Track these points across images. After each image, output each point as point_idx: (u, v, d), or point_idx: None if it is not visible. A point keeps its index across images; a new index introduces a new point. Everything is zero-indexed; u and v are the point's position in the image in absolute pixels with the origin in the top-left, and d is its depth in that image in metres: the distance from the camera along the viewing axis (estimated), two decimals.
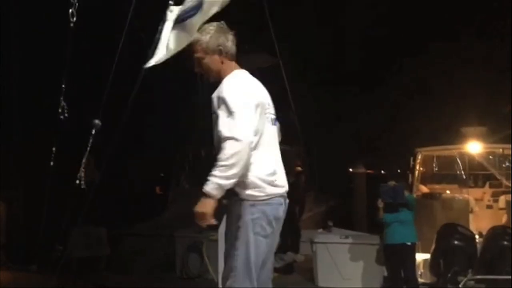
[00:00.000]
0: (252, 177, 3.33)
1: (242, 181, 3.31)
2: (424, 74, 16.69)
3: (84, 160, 4.21)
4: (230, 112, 3.26)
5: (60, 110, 4.20)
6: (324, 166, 17.36)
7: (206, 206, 3.24)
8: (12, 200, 10.59)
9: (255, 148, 3.32)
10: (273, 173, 3.42)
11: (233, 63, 3.55)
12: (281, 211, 3.47)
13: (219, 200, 3.29)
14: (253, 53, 10.70)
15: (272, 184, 3.40)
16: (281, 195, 3.46)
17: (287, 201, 3.52)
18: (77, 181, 4.24)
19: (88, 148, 4.18)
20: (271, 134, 3.51)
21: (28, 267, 9.37)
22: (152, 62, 3.78)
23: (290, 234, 11.49)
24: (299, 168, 12.06)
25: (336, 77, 17.57)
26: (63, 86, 4.24)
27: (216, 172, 3.20)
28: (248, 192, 3.34)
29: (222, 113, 3.29)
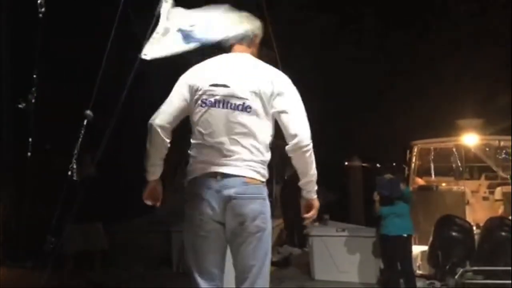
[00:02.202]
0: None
1: None
2: (420, 66, 16.66)
3: (76, 152, 4.15)
4: None
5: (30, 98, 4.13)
6: (319, 160, 17.33)
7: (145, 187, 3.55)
8: (7, 197, 10.52)
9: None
10: (193, 160, 3.42)
11: (237, 48, 3.55)
12: (202, 204, 3.29)
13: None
14: None
15: (189, 173, 3.44)
16: (196, 186, 3.36)
17: (228, 194, 3.27)
18: (69, 173, 4.18)
19: (80, 139, 4.11)
20: (215, 117, 3.32)
21: (24, 264, 9.34)
22: (148, 55, 3.76)
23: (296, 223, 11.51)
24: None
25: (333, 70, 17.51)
26: (34, 76, 4.17)
27: None
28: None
29: None
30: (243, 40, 3.52)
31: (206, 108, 3.31)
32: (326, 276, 8.65)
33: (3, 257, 9.63)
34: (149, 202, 3.59)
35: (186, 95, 3.34)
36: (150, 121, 3.34)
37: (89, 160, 6.87)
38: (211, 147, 3.31)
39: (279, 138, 3.48)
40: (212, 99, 3.31)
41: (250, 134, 3.30)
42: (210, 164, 3.30)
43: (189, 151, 3.42)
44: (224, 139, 3.28)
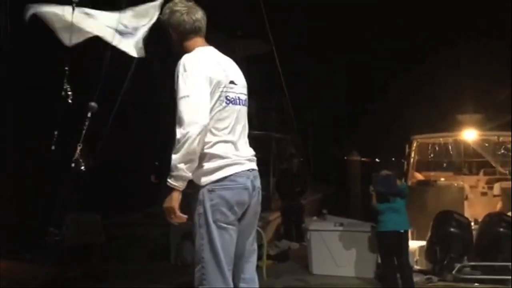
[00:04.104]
0: (202, 162, 3.25)
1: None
2: (421, 61, 16.65)
3: (79, 144, 4.12)
4: (184, 93, 3.16)
5: (63, 93, 4.05)
6: (319, 154, 17.36)
7: (170, 200, 3.26)
8: (5, 190, 10.52)
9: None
10: (224, 157, 3.27)
11: (198, 40, 3.47)
12: (245, 196, 3.31)
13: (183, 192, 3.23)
14: (247, 39, 10.60)
15: (222, 168, 3.26)
16: (239, 179, 3.28)
17: (257, 186, 3.41)
18: (73, 165, 4.15)
19: (84, 131, 4.08)
20: (232, 113, 3.35)
21: (22, 256, 9.35)
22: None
23: (293, 217, 11.49)
24: (291, 152, 12.05)
25: (332, 65, 17.51)
26: (66, 69, 4.08)
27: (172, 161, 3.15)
28: (201, 178, 3.26)
29: (178, 93, 3.20)
30: (202, 31, 3.50)
31: (225, 105, 3.31)
32: (324, 270, 8.64)
33: (1, 249, 9.64)
34: (177, 221, 3.37)
35: (209, 89, 3.25)
36: (196, 123, 3.10)
37: (87, 154, 6.84)
38: (232, 143, 3.33)
39: (276, 131, 3.50)
40: (231, 96, 3.34)
41: (247, 128, 3.49)
42: (241, 159, 3.34)
43: (205, 149, 3.24)
44: (238, 135, 3.38)
